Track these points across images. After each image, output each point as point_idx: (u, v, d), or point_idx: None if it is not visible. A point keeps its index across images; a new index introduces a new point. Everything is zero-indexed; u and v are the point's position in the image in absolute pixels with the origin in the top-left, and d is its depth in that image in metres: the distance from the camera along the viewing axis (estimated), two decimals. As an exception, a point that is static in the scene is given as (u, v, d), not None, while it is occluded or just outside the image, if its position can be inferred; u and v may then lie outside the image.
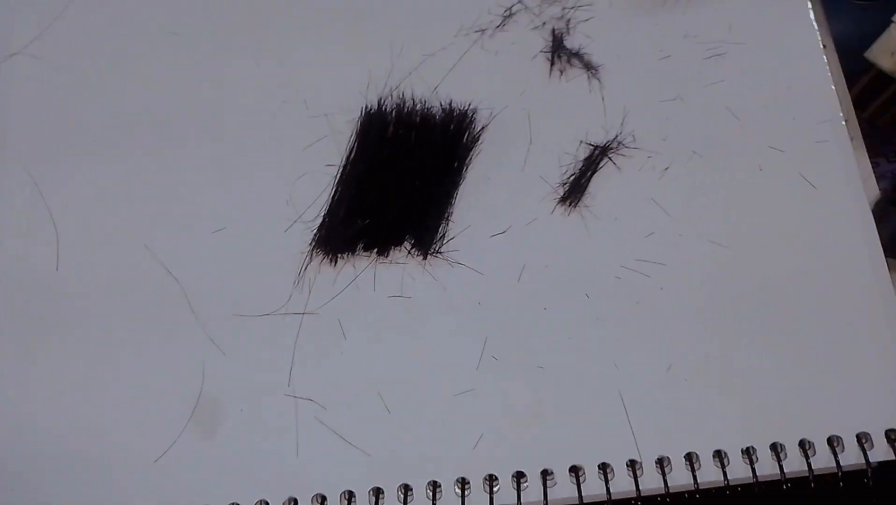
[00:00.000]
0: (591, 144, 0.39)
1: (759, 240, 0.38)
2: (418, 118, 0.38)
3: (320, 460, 0.34)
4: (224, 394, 0.35)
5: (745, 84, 0.40)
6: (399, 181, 0.37)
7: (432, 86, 0.40)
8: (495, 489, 0.34)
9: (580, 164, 0.39)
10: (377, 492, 0.33)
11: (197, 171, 0.39)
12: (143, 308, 0.36)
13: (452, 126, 0.38)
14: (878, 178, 0.43)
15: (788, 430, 0.35)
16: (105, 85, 0.41)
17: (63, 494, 0.34)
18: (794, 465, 0.34)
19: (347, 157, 0.38)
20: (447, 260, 0.37)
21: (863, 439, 0.34)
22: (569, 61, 0.41)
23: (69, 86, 0.41)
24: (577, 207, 0.38)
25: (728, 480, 0.34)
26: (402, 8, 0.42)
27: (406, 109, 0.39)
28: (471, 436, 0.34)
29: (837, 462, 0.34)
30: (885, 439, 0.34)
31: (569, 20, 0.42)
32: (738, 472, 0.34)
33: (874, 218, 0.38)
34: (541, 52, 0.41)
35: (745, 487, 0.34)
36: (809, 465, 0.34)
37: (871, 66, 0.43)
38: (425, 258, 0.37)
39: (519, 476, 0.34)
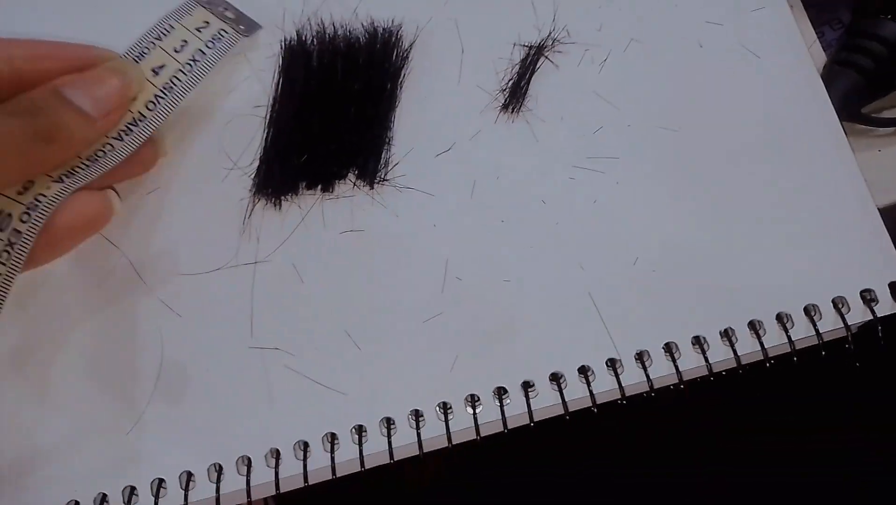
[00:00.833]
0: (525, 45, 0.38)
1: (709, 118, 0.37)
2: (342, 44, 0.37)
3: (296, 408, 0.33)
4: (186, 356, 0.34)
5: (673, -41, 0.39)
6: (332, 113, 0.36)
7: (351, 8, 0.38)
8: (478, 409, 0.33)
9: (517, 68, 0.37)
10: (360, 429, 0.33)
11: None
12: (89, 281, 0.35)
13: (378, 46, 0.37)
14: (825, 47, 0.43)
15: (763, 305, 0.34)
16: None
17: (37, 481, 0.33)
18: (774, 339, 0.34)
19: (274, 97, 0.36)
20: (395, 186, 0.36)
21: (839, 304, 0.34)
22: (490, -39, 0.39)
23: None
24: (519, 113, 0.37)
25: (710, 365, 0.33)
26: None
27: (328, 37, 0.37)
28: (446, 359, 0.34)
29: (817, 331, 0.34)
30: (860, 301, 0.34)
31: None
32: (719, 355, 0.34)
33: (824, 82, 0.38)
34: (458, -44, 0.39)
35: (729, 371, 0.34)
36: (789, 337, 0.34)
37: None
38: (372, 187, 0.36)
39: (500, 392, 0.33)
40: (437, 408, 0.33)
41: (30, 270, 0.31)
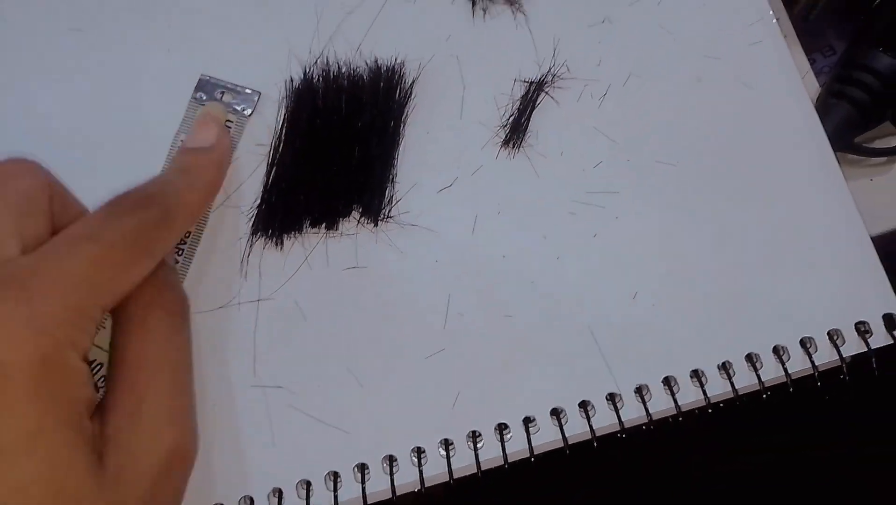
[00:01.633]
0: (525, 81, 0.38)
1: (706, 152, 0.37)
2: (346, 82, 0.37)
3: (299, 446, 0.33)
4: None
5: (670, -4, 0.40)
6: (337, 151, 0.36)
7: (354, 46, 0.38)
8: (479, 445, 0.33)
9: (517, 104, 0.38)
10: (362, 468, 0.33)
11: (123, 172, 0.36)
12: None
13: (382, 84, 0.37)
14: (816, 74, 0.43)
15: (760, 338, 0.35)
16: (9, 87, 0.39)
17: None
18: (770, 372, 0.34)
19: (278, 135, 0.37)
20: (398, 223, 0.36)
21: (834, 336, 0.35)
22: (490, -2, 0.39)
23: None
24: (520, 148, 0.37)
25: (709, 398, 0.34)
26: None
27: (332, 76, 0.37)
28: (448, 396, 0.34)
29: (813, 363, 0.34)
30: (854, 333, 0.35)
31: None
32: (717, 388, 0.34)
33: (818, 113, 0.38)
34: (459, -7, 0.40)
35: (727, 402, 0.35)
36: (786, 370, 0.34)
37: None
38: (376, 225, 0.36)
39: (501, 428, 0.34)
40: (440, 445, 0.33)
41: None
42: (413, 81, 0.38)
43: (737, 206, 0.36)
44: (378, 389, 0.34)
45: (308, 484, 0.33)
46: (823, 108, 0.41)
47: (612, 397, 0.34)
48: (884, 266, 0.36)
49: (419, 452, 0.33)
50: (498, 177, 0.37)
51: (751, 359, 0.34)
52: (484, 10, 0.39)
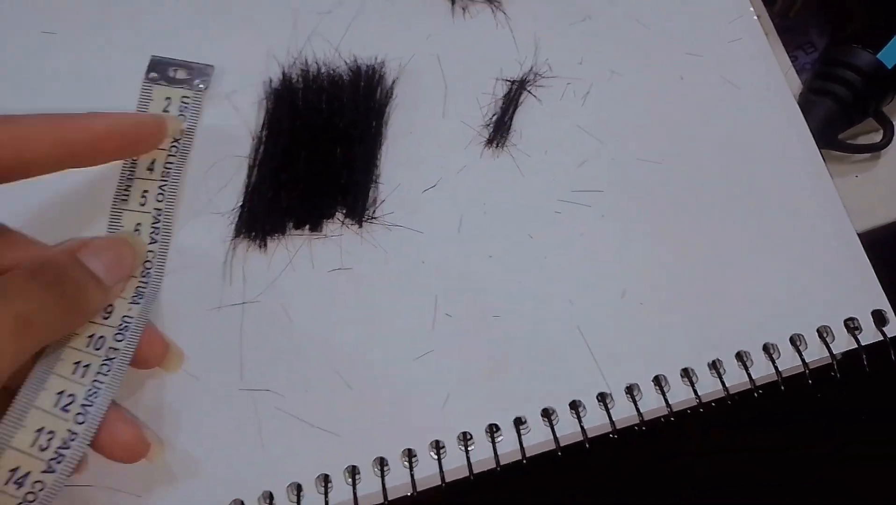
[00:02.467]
0: (507, 80, 0.38)
1: (690, 150, 0.37)
2: (326, 82, 0.37)
3: (289, 450, 0.33)
4: (176, 401, 0.33)
5: (650, -7, 0.40)
6: (319, 152, 0.36)
7: (333, 46, 0.38)
8: (470, 447, 0.33)
9: (500, 103, 0.37)
10: (353, 471, 0.32)
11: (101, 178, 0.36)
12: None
13: (363, 84, 0.37)
14: (798, 71, 0.43)
15: (750, 336, 0.35)
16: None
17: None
18: (762, 369, 0.34)
19: (259, 137, 0.36)
20: (383, 224, 0.35)
21: (824, 333, 0.35)
22: (468, -4, 0.39)
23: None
24: (504, 147, 0.37)
25: (700, 397, 0.34)
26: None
27: (311, 76, 0.37)
28: (437, 397, 0.33)
29: (803, 360, 0.34)
30: (844, 329, 0.35)
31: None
32: (708, 386, 0.34)
33: (801, 110, 0.38)
34: (438, -9, 0.39)
35: (718, 400, 0.34)
36: (776, 367, 0.34)
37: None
38: (360, 226, 0.35)
39: (492, 429, 0.33)
40: (430, 447, 0.33)
41: None
42: (394, 81, 0.37)
43: (724, 203, 0.36)
44: (367, 391, 0.33)
45: (299, 487, 0.32)
46: (806, 105, 0.41)
47: (602, 397, 0.34)
48: (871, 262, 0.36)
49: (410, 453, 0.33)
50: (482, 176, 0.36)
51: (741, 357, 0.34)
52: (463, 9, 0.39)
